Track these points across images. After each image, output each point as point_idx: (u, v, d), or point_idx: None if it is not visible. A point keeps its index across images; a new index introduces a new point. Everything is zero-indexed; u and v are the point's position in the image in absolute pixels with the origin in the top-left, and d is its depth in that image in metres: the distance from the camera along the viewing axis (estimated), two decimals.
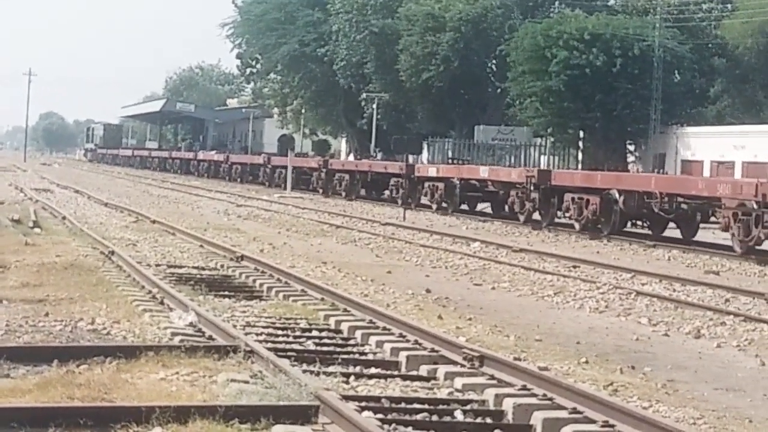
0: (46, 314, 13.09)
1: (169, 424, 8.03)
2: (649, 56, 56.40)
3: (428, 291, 17.34)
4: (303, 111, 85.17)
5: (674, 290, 18.77)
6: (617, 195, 31.01)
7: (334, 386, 9.66)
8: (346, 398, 8.97)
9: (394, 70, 66.35)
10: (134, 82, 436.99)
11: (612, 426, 8.50)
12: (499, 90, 64.30)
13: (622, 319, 15.51)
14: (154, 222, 29.12)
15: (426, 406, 9.13)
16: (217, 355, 10.57)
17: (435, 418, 8.87)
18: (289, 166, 59.22)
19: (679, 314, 15.96)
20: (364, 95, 71.47)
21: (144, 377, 9.73)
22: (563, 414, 8.83)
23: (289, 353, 10.94)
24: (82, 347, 10.85)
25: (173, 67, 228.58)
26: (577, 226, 32.32)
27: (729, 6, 62.08)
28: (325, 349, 11.61)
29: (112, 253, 19.66)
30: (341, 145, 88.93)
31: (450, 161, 57.16)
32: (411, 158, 58.11)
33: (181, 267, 18.80)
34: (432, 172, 44.44)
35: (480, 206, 42.96)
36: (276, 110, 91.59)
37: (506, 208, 37.94)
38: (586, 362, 11.85)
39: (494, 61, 66.00)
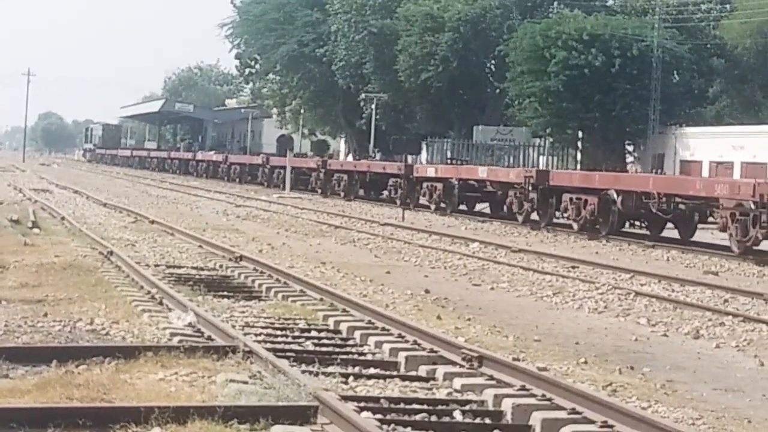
0: (45, 314, 13.08)
1: (168, 425, 8.03)
2: (648, 56, 56.38)
3: (427, 291, 17.32)
4: (302, 111, 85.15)
5: (673, 290, 18.76)
6: (615, 195, 31.01)
7: (333, 387, 9.66)
8: (345, 398, 8.97)
9: (393, 71, 66.30)
10: (133, 83, 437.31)
11: (611, 426, 8.51)
12: (497, 90, 64.29)
13: (621, 319, 15.50)
14: (152, 222, 29.11)
15: (425, 407, 9.13)
16: (216, 355, 10.57)
17: (434, 418, 8.87)
18: (287, 167, 59.18)
19: (678, 314, 15.96)
20: (362, 95, 71.41)
21: (143, 377, 9.73)
22: (562, 414, 8.84)
23: (288, 353, 10.94)
24: (81, 347, 10.85)
25: (172, 68, 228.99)
26: (575, 226, 32.32)
27: (728, 6, 62.10)
28: (324, 349, 11.61)
29: (111, 253, 19.65)
30: (340, 145, 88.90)
31: (449, 161, 57.13)
32: (410, 158, 58.20)
33: (180, 267, 18.79)
34: (431, 172, 44.41)
35: (478, 206, 42.94)
36: (275, 110, 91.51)
37: (505, 208, 37.94)
38: (585, 362, 11.85)
39: (493, 62, 65.95)
